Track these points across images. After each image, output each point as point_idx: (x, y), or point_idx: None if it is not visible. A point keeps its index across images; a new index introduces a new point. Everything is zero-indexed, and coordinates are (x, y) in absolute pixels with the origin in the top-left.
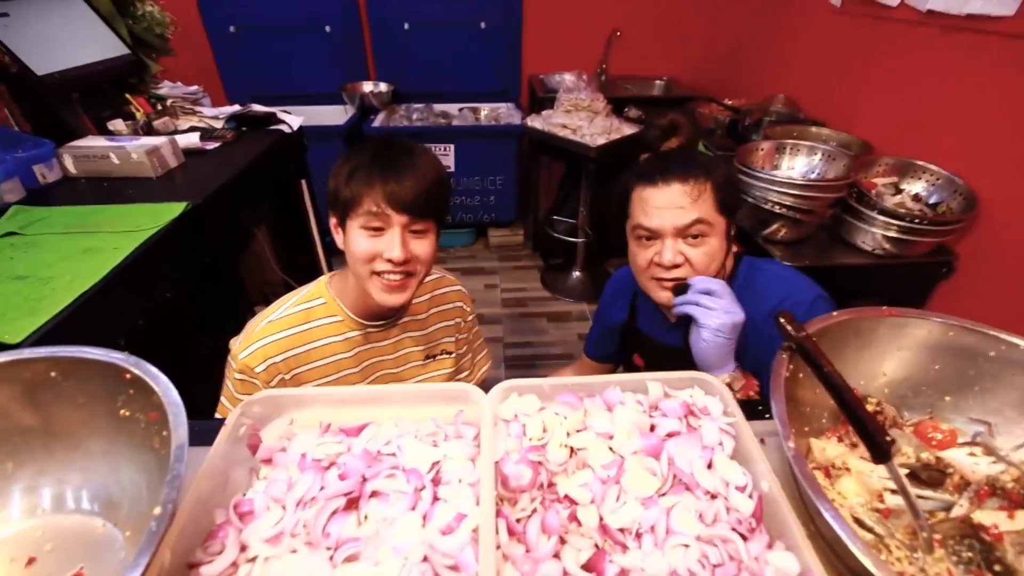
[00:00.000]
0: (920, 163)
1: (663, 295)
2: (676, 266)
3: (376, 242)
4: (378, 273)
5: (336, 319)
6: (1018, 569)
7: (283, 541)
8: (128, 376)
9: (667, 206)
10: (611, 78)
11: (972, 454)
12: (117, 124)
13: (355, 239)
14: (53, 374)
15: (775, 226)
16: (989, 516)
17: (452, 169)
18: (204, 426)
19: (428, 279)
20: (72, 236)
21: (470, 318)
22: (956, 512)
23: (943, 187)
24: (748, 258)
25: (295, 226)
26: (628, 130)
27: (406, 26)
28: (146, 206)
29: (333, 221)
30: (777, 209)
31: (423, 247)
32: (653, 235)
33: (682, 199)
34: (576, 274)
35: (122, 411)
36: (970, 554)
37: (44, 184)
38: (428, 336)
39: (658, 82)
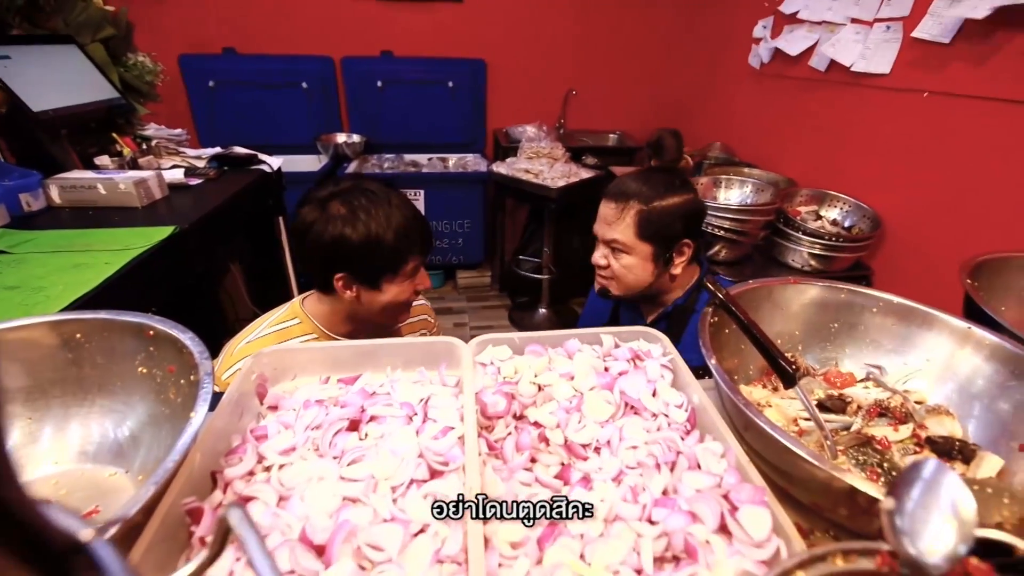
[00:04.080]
0: (833, 193)
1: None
2: (602, 267)
3: (412, 285)
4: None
5: (311, 337)
6: (903, 467)
7: (295, 453)
8: (151, 333)
9: (602, 220)
10: (569, 131)
11: (866, 387)
12: (103, 159)
13: (401, 292)
14: (79, 336)
15: (717, 247)
16: (880, 430)
17: (422, 213)
18: None
19: None
20: (62, 254)
21: (434, 329)
22: (854, 428)
23: (854, 212)
24: None
25: (268, 262)
26: (586, 174)
27: (379, 83)
28: (134, 229)
29: (341, 281)
30: (718, 232)
31: None
32: (596, 237)
33: (609, 217)
34: (542, 311)
35: (140, 368)
36: (865, 459)
37: (28, 212)
38: None
39: (612, 135)
